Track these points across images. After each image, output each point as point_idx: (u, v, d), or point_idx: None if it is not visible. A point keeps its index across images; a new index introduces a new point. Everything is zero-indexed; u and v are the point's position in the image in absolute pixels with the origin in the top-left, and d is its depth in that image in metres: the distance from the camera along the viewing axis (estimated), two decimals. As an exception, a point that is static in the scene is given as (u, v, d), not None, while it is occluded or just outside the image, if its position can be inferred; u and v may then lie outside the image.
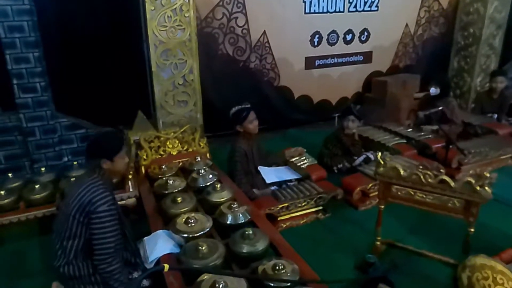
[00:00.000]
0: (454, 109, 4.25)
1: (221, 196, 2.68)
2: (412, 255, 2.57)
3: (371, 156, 3.86)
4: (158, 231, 2.38)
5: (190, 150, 3.63)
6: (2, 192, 2.92)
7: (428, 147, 3.96)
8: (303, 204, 3.08)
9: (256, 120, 3.30)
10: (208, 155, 3.67)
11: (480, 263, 1.80)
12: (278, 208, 2.98)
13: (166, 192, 2.80)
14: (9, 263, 2.70)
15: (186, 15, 3.33)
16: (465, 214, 2.23)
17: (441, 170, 2.26)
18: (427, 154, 3.91)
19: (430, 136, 4.14)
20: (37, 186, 3.00)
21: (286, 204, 3.01)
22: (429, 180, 2.24)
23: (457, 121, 4.25)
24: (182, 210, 2.51)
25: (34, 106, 3.39)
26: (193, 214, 2.40)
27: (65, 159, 3.65)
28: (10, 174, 3.26)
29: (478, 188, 2.09)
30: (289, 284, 1.84)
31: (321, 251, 2.71)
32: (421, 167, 2.31)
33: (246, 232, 2.16)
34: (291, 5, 4.90)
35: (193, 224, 2.29)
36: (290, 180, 3.42)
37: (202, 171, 3.03)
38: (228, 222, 2.40)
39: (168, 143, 3.54)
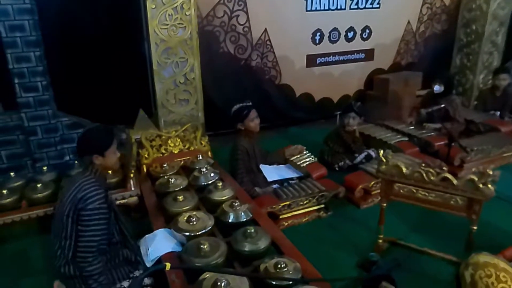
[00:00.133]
0: (458, 107, 4.22)
1: (223, 194, 2.67)
2: (415, 253, 2.56)
3: (372, 154, 3.85)
4: (160, 229, 2.38)
5: (192, 148, 3.63)
6: (4, 191, 2.92)
7: (430, 144, 3.94)
8: (304, 202, 3.07)
9: (257, 118, 3.30)
10: (209, 153, 3.66)
11: (483, 261, 1.78)
12: (279, 207, 2.98)
13: (168, 190, 2.80)
14: (11, 262, 2.71)
15: (187, 13, 3.32)
16: (467, 212, 2.22)
17: (444, 168, 2.25)
18: (429, 152, 3.89)
19: (432, 133, 4.12)
20: (39, 185, 3.00)
21: (288, 203, 3.00)
22: (432, 178, 2.23)
23: (460, 120, 4.23)
24: (184, 208, 2.50)
25: (35, 105, 3.39)
26: (194, 213, 2.40)
27: (67, 158, 3.65)
28: (12, 173, 3.26)
29: (480, 185, 2.08)
30: (291, 282, 1.84)
31: (323, 249, 2.71)
32: (423, 165, 2.30)
33: (248, 231, 2.16)
34: (292, 2, 4.89)
35: (194, 223, 2.29)
36: (291, 178, 3.41)
37: (204, 169, 3.03)
38: (230, 221, 2.39)
39: (169, 141, 3.54)
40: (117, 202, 2.94)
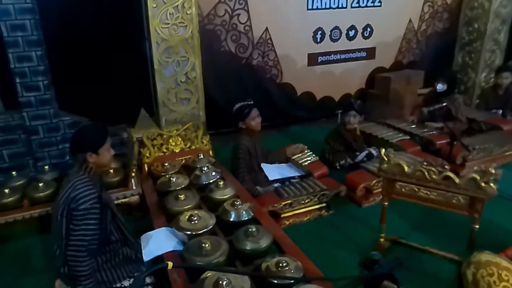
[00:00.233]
0: (460, 106, 4.19)
1: (224, 193, 2.68)
2: (416, 251, 2.55)
3: (374, 152, 3.85)
4: (161, 228, 2.38)
5: (193, 147, 3.63)
6: (6, 190, 2.93)
7: (432, 143, 3.94)
8: (306, 201, 3.07)
9: (259, 117, 3.30)
10: (211, 152, 3.66)
11: (485, 260, 1.78)
12: (281, 205, 2.98)
13: (169, 189, 2.80)
14: (13, 261, 2.71)
15: (188, 12, 3.32)
16: (469, 210, 2.21)
17: (446, 167, 2.24)
18: (431, 150, 3.88)
19: (434, 132, 4.11)
20: (40, 184, 3.01)
21: (289, 201, 3.00)
22: (433, 176, 2.23)
23: (462, 119, 4.20)
24: (185, 207, 2.51)
25: (37, 105, 3.39)
26: (196, 212, 2.40)
27: (68, 157, 3.65)
28: (14, 173, 3.27)
29: (483, 184, 2.07)
30: (292, 281, 1.84)
31: (324, 248, 2.71)
32: (425, 163, 2.29)
33: (250, 229, 2.16)
34: (293, 1, 4.88)
35: (196, 222, 2.29)
36: (293, 177, 3.41)
37: (205, 168, 3.03)
38: (231, 219, 2.39)
39: (171, 140, 3.54)
40: (119, 201, 2.95)
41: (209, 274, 1.84)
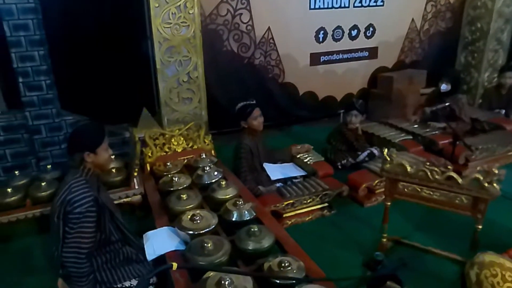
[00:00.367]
0: (464, 106, 4.16)
1: (226, 193, 2.67)
2: (419, 252, 2.55)
3: (375, 152, 3.84)
4: (164, 227, 2.38)
5: (195, 147, 3.63)
6: (9, 190, 2.94)
7: (435, 143, 3.92)
8: (308, 201, 3.07)
9: (261, 117, 3.30)
10: (213, 152, 3.66)
11: (488, 260, 1.77)
12: (283, 205, 2.97)
13: (171, 189, 2.80)
14: (16, 260, 2.72)
15: (191, 12, 3.32)
16: (472, 210, 2.20)
17: (449, 167, 2.23)
18: (433, 150, 3.87)
19: (436, 132, 4.10)
20: (43, 184, 3.01)
21: (291, 201, 3.00)
22: (436, 176, 2.22)
23: (466, 119, 4.18)
24: (187, 207, 2.50)
25: (39, 104, 3.40)
26: (198, 211, 2.39)
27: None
28: (16, 172, 3.28)
29: (486, 184, 2.07)
30: (295, 281, 1.83)
31: (326, 248, 2.70)
32: (428, 163, 2.28)
33: (252, 229, 2.15)
34: (295, 1, 4.87)
35: (198, 221, 2.29)
36: (295, 177, 3.40)
37: (207, 168, 3.03)
38: (234, 219, 2.39)
39: (173, 140, 3.54)
40: (121, 200, 2.96)
41: (211, 273, 1.83)
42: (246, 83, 4.88)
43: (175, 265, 1.42)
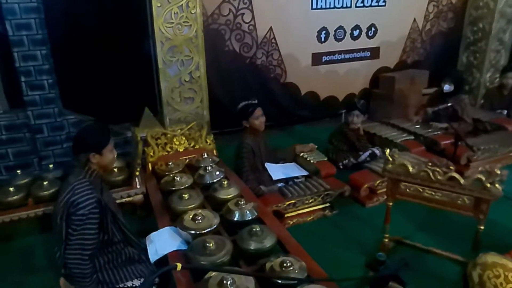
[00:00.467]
0: (466, 107, 4.15)
1: (228, 193, 2.67)
2: (420, 252, 2.54)
3: (377, 152, 3.84)
4: (165, 227, 2.38)
5: (197, 146, 3.63)
6: (11, 189, 2.94)
7: (437, 143, 3.92)
8: (310, 201, 3.07)
9: (262, 117, 3.30)
10: (214, 151, 3.66)
11: (491, 261, 1.77)
12: (285, 205, 2.97)
13: (173, 188, 2.80)
14: (18, 259, 2.73)
15: (193, 11, 3.32)
16: (475, 211, 2.20)
17: (451, 167, 2.23)
18: (435, 150, 3.87)
19: (438, 132, 4.09)
20: (45, 183, 3.01)
21: (293, 201, 3.00)
22: (438, 177, 2.22)
23: (468, 120, 4.17)
24: (189, 206, 2.50)
25: (42, 103, 3.41)
26: (200, 211, 2.40)
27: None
28: (18, 171, 3.28)
29: (488, 185, 2.06)
30: (296, 281, 1.83)
31: (328, 248, 2.70)
32: (430, 163, 2.28)
33: (254, 229, 2.15)
34: (297, 0, 4.87)
35: (200, 221, 2.29)
36: (297, 177, 3.40)
37: (209, 167, 3.03)
38: (235, 219, 2.39)
39: (175, 140, 3.54)
40: (123, 200, 2.96)
41: (213, 273, 1.83)
42: (248, 83, 4.88)
43: (179, 265, 1.42)
